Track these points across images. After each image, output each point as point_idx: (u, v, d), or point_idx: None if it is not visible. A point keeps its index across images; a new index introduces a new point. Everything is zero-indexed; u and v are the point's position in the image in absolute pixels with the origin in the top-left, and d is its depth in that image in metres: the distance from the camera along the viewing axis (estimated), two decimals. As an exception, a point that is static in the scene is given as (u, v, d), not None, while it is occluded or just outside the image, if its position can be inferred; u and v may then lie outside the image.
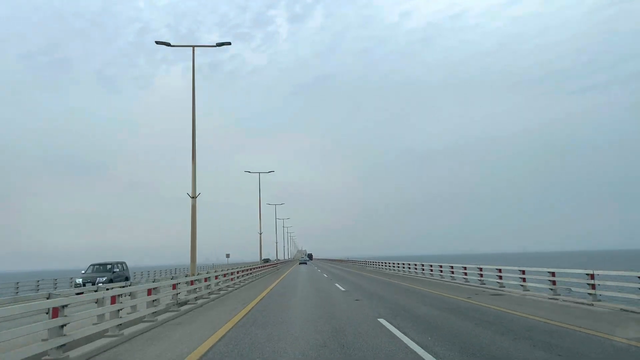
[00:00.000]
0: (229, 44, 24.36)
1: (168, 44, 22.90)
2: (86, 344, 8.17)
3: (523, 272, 16.48)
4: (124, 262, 25.97)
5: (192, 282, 15.79)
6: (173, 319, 11.98)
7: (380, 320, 10.43)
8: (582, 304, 12.60)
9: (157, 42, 23.02)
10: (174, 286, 14.00)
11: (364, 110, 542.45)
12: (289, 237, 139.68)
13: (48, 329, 6.84)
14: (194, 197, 20.12)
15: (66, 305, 7.22)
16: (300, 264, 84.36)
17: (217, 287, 20.15)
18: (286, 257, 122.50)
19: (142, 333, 9.92)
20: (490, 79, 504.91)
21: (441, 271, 25.29)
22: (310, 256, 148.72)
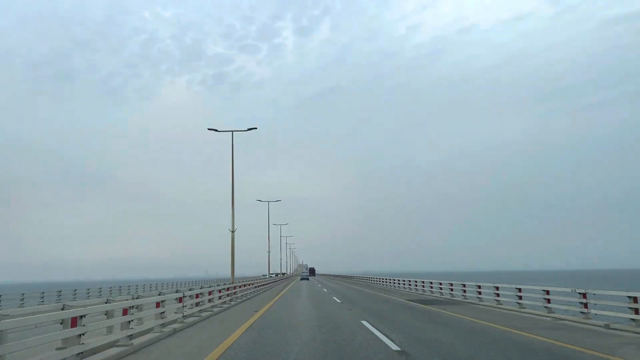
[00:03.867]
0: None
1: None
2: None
3: None
4: None
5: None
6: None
7: None
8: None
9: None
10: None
11: (370, 124, 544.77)
12: (288, 249, 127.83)
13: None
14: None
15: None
16: (301, 279, 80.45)
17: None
18: (285, 272, 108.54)
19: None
20: (496, 95, 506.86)
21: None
22: (312, 271, 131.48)
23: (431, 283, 29.35)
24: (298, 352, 9.05)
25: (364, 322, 13.72)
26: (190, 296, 15.39)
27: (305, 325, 13.52)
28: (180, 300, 14.10)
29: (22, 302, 27.03)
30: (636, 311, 11.50)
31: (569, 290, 14.35)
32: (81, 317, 7.64)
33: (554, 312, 15.23)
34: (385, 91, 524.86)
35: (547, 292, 15.47)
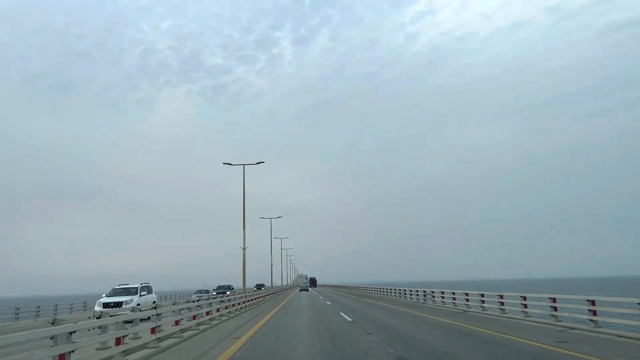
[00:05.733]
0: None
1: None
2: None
3: None
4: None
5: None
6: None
7: None
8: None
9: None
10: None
11: (369, 135, 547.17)
12: (287, 260, 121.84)
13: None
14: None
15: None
16: (300, 290, 78.90)
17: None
18: (263, 284, 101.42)
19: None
20: (495, 104, 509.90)
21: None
22: (312, 281, 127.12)
23: (482, 296, 21.13)
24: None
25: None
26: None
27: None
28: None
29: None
30: None
31: None
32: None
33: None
34: (384, 100, 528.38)
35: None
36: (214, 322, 18.20)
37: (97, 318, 9.29)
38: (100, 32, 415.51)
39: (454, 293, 25.63)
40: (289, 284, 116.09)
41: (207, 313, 18.10)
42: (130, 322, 10.53)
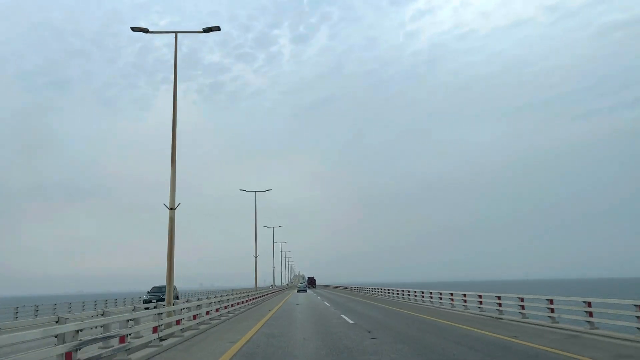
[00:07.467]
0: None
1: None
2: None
3: None
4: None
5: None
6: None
7: None
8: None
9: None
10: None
11: (368, 133, 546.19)
12: (284, 258, 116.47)
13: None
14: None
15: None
16: (298, 291, 76.88)
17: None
18: (271, 284, 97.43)
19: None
20: (494, 102, 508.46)
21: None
22: (311, 281, 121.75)
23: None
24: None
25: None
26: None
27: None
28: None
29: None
30: None
31: None
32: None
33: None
34: (384, 99, 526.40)
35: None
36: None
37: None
38: (97, 29, 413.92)
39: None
40: (275, 284, 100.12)
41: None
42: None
